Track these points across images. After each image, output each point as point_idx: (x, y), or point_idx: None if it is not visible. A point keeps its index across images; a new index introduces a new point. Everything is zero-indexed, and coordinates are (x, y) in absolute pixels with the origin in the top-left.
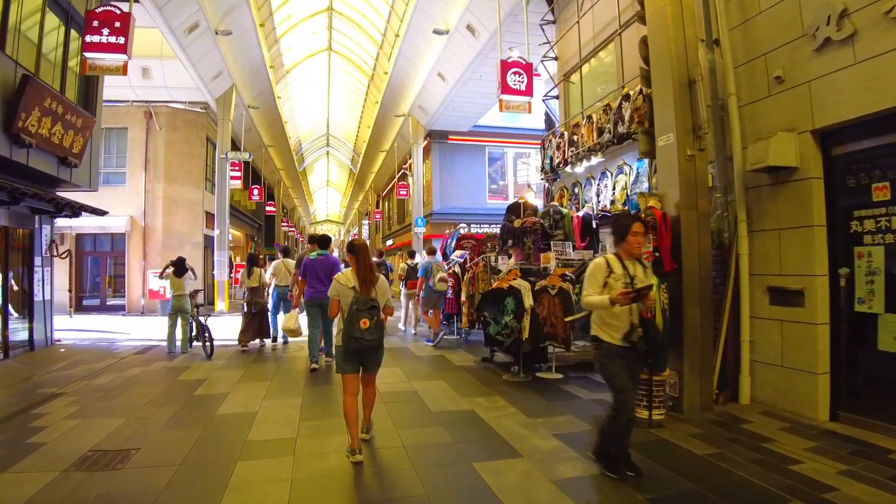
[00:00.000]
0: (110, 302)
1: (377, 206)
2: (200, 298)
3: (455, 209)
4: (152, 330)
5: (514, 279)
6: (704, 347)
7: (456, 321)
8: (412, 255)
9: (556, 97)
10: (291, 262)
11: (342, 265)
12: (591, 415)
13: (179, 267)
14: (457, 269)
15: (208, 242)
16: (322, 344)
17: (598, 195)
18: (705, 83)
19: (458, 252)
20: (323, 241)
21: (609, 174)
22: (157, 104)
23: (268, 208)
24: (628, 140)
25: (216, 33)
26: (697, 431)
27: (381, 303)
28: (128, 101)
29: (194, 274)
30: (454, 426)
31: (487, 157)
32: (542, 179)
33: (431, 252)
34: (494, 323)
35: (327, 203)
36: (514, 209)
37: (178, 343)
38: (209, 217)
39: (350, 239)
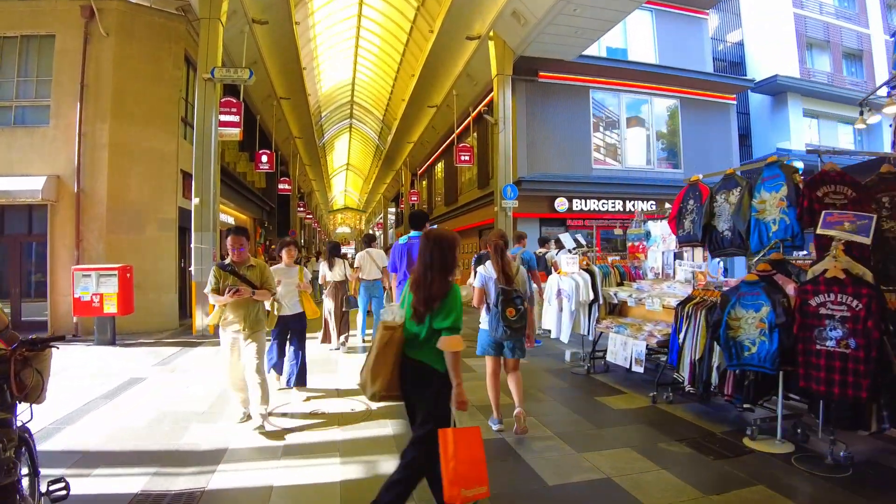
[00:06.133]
0: (27, 316)
1: (412, 187)
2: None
3: (550, 177)
4: (58, 392)
5: None
6: None
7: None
8: (543, 242)
9: None
10: (378, 253)
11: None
12: None
13: None
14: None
15: (187, 220)
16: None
17: None
18: None
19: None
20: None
21: None
22: None
23: (281, 186)
24: None
25: None
26: None
27: (523, 292)
28: None
29: None
30: None
31: (592, 105)
32: None
33: (520, 239)
34: None
35: (345, 191)
36: None
37: None
38: (189, 181)
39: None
